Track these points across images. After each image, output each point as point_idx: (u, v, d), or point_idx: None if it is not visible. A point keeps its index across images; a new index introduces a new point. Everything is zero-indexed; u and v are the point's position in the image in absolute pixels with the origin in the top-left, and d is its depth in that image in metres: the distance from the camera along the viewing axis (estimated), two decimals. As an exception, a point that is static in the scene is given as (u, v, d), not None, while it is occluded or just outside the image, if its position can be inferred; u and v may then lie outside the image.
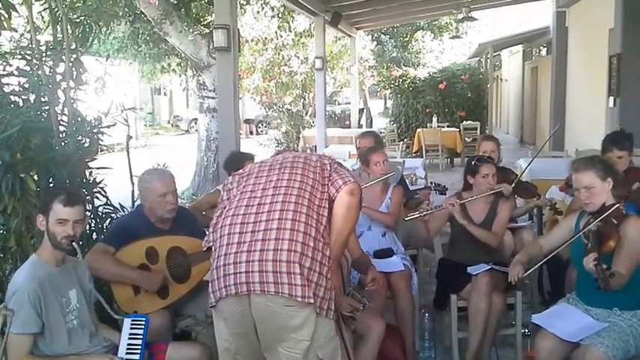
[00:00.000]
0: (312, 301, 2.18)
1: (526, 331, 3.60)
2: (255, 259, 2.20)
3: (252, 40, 10.84)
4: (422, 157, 11.38)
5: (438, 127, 12.40)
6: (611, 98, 8.66)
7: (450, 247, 3.84)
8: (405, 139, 12.95)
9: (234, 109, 5.18)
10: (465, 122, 13.04)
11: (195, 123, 9.90)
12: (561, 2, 11.76)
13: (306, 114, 13.70)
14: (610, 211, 2.77)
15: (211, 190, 4.78)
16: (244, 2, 9.40)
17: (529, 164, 4.97)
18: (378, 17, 11.86)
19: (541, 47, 15.42)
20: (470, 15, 9.43)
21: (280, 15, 10.43)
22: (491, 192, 3.67)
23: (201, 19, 8.78)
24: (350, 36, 12.18)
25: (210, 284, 2.31)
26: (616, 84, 8.46)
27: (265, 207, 2.32)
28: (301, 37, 11.81)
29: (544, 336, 2.80)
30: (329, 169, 2.45)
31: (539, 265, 2.98)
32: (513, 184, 4.23)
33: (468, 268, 3.52)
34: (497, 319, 3.40)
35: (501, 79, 21.35)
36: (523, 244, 4.14)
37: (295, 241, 2.22)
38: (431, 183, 4.65)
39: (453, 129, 12.48)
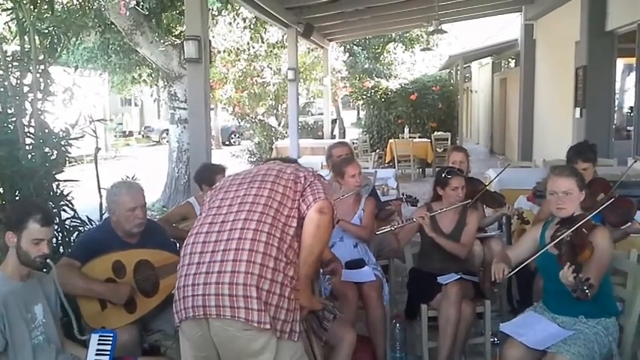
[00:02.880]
0: (268, 326, 2.11)
1: (495, 339, 3.63)
2: (212, 282, 2.12)
3: (224, 51, 10.81)
4: (394, 167, 11.48)
5: (410, 137, 12.53)
6: (578, 109, 8.88)
7: (420, 257, 3.87)
8: (378, 150, 13.05)
9: (205, 120, 5.16)
10: (436, 133, 13.24)
11: (167, 134, 9.81)
12: (529, 15, 12.03)
13: (279, 125, 13.71)
14: (583, 220, 2.83)
15: (182, 202, 4.73)
16: (216, 13, 9.39)
17: (497, 175, 5.04)
18: (350, 29, 11.97)
19: (510, 59, 15.74)
20: (440, 28, 9.57)
21: (252, 26, 10.44)
22: (460, 204, 3.72)
23: (173, 30, 8.74)
24: (322, 47, 12.27)
25: (174, 304, 2.25)
26: (582, 95, 8.68)
27: (227, 225, 2.24)
28: (274, 48, 11.84)
29: (512, 344, 2.84)
30: (303, 182, 2.35)
31: (509, 274, 3.01)
32: (479, 194, 4.32)
33: (438, 277, 3.56)
34: (467, 328, 3.44)
35: (471, 91, 21.70)
36: (492, 253, 4.20)
37: (253, 262, 2.14)
38: (402, 194, 4.69)
39: (425, 139, 12.64)
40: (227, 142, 23.41)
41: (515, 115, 13.25)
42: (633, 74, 7.94)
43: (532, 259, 2.92)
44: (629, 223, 3.62)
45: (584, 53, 8.53)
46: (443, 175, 3.76)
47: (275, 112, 13.74)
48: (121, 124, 26.38)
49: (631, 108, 8.05)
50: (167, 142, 9.88)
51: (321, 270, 3.24)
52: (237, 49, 11.01)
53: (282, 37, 10.65)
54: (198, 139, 5.19)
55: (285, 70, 10.15)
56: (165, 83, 9.26)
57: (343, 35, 12.82)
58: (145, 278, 3.07)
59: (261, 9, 7.72)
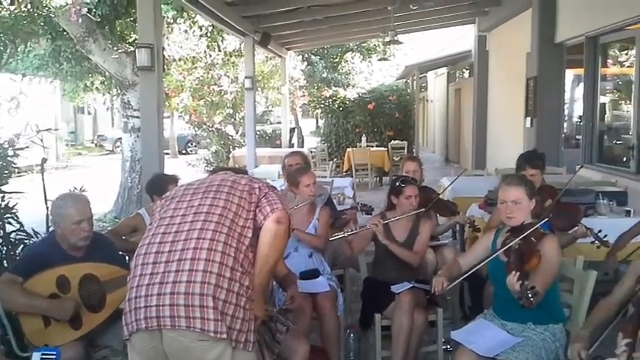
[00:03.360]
0: (224, 336, 2.10)
1: (448, 347, 3.68)
2: (167, 292, 2.10)
3: (180, 59, 10.68)
4: (352, 176, 11.56)
5: (367, 146, 12.64)
6: (528, 119, 9.12)
7: (374, 266, 3.89)
8: (335, 159, 13.11)
9: (157, 129, 5.06)
10: (393, 142, 13.40)
11: (121, 143, 9.59)
12: (482, 27, 12.32)
13: (237, 133, 13.62)
14: (532, 229, 2.89)
15: (133, 213, 4.61)
16: (172, 21, 9.27)
17: (450, 184, 5.13)
18: (308, 38, 12.01)
19: (464, 70, 16.08)
20: (395, 38, 9.71)
21: (209, 34, 10.35)
22: (414, 212, 3.75)
23: (127, 37, 8.58)
24: (280, 56, 12.26)
25: (123, 316, 2.21)
26: (532, 105, 8.91)
27: (182, 235, 2.22)
28: (231, 56, 11.77)
29: (462, 352, 2.87)
30: (257, 193, 2.36)
31: (459, 281, 3.06)
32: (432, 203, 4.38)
33: (391, 286, 3.57)
34: (419, 337, 3.47)
35: (428, 100, 22.08)
36: (445, 261, 4.26)
37: (210, 272, 2.13)
38: (357, 203, 4.71)
39: (382, 148, 12.77)
40: (183, 151, 23.12)
41: (469, 125, 13.52)
42: (582, 84, 8.21)
43: (478, 266, 2.97)
44: (576, 227, 3.72)
45: (534, 64, 8.77)
46: (397, 184, 3.79)
47: (233, 120, 13.64)
48: (74, 132, 25.73)
49: (580, 117, 8.32)
50: (120, 151, 9.66)
51: (276, 285, 3.24)
52: (194, 57, 10.89)
53: (240, 45, 10.59)
54: (150, 149, 5.09)
55: (243, 79, 10.10)
56: (119, 91, 9.07)
57: (301, 44, 12.86)
58: (91, 293, 2.98)
59: (217, 17, 7.66)
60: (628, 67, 7.15)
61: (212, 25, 9.56)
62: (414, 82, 15.14)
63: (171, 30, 9.60)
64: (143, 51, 4.99)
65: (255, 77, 9.60)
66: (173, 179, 3.96)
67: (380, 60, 16.04)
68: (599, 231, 3.68)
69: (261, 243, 2.30)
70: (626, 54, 7.34)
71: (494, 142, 12.09)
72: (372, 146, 12.86)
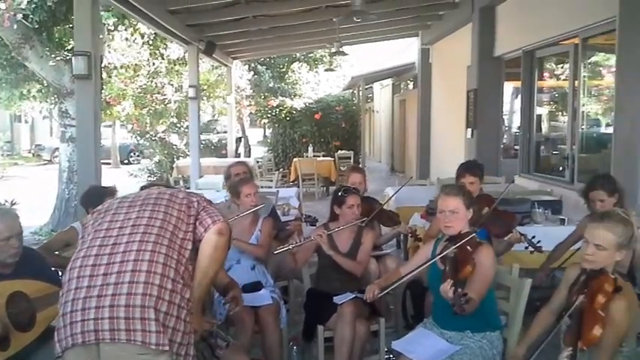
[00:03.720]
0: (167, 348, 2.08)
1: (391, 356, 3.70)
2: (106, 305, 2.05)
3: (121, 67, 10.41)
4: (298, 186, 11.56)
5: (314, 156, 12.68)
6: (469, 130, 9.38)
7: (318, 277, 3.88)
8: (282, 169, 13.08)
9: (94, 139, 4.91)
10: (339, 152, 13.49)
11: (59, 152, 9.24)
12: (425, 40, 12.62)
13: (182, 143, 13.38)
14: (467, 238, 2.95)
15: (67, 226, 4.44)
16: (112, 28, 9.03)
17: (394, 194, 5.19)
18: (254, 48, 11.96)
19: (408, 81, 16.40)
20: (341, 50, 9.81)
21: (151, 42, 10.14)
22: (357, 222, 3.77)
23: (65, 44, 8.30)
24: (226, 65, 12.16)
25: (56, 332, 2.13)
26: (473, 117, 9.18)
27: (120, 247, 2.19)
28: (175, 64, 11.57)
29: (402, 362, 2.90)
30: (196, 206, 2.37)
31: (380, 295, 3.06)
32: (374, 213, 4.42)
33: (334, 297, 3.57)
34: (362, 347, 3.47)
35: (374, 111, 22.38)
36: (387, 270, 4.29)
37: (151, 284, 2.11)
38: (302, 214, 4.70)
39: (328, 158, 12.83)
40: (126, 161, 22.55)
41: (414, 135, 13.79)
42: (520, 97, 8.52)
43: (416, 271, 2.97)
44: (511, 234, 3.83)
45: (474, 77, 9.05)
46: (339, 194, 3.81)
47: (177, 129, 13.38)
48: (10, 142, 24.68)
49: (519, 128, 8.62)
50: (58, 161, 9.31)
51: (220, 296, 3.17)
52: (136, 64, 10.63)
53: (184, 53, 10.43)
54: (86, 159, 4.92)
55: (187, 87, 9.94)
56: (56, 99, 8.76)
57: (247, 54, 12.79)
58: (20, 311, 2.82)
59: (160, 26, 7.52)
60: (563, 80, 7.47)
61: (155, 33, 9.38)
62: (360, 93, 15.31)
63: (112, 37, 9.35)
64: (80, 59, 4.85)
65: (199, 86, 9.47)
66: (110, 191, 3.84)
67: (326, 70, 16.14)
68: (533, 237, 3.80)
69: (202, 255, 2.29)
70: (562, 67, 7.67)
71: (438, 152, 12.37)
72: (319, 156, 12.90)
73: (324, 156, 13.12)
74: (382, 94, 20.45)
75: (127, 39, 9.32)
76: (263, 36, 10.26)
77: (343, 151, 13.50)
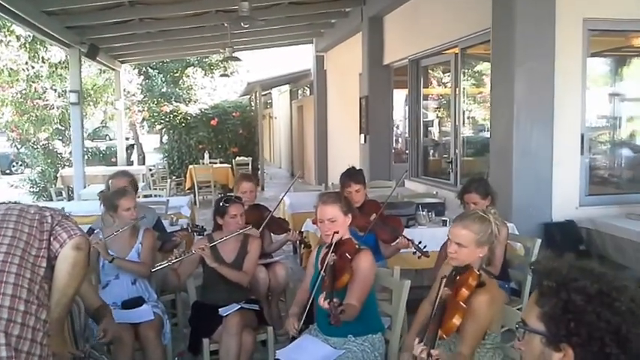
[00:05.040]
0: None
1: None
2: None
3: (-4, 71, 9.65)
4: (195, 193, 11.29)
5: (210, 163, 12.43)
6: (362, 135, 9.61)
7: (204, 289, 3.76)
8: (175, 176, 12.71)
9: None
10: (237, 158, 13.34)
11: None
12: (319, 47, 12.80)
13: (68, 151, 12.62)
14: (344, 245, 2.97)
15: None
16: (-16, 29, 8.36)
17: (282, 198, 5.17)
18: (143, 51, 11.52)
19: (305, 87, 16.56)
20: (234, 55, 9.69)
21: (28, 45, 9.47)
22: (241, 232, 3.70)
23: None
24: (114, 69, 11.62)
25: None
26: (365, 123, 9.42)
27: None
28: (57, 68, 10.89)
29: (287, 371, 2.86)
30: (50, 221, 2.19)
31: (306, 312, 3.01)
32: (266, 221, 4.39)
33: (219, 309, 3.48)
34: (248, 358, 3.40)
35: (273, 117, 22.39)
36: (277, 278, 4.29)
37: (1, 306, 1.93)
38: (188, 224, 4.55)
39: (226, 165, 12.65)
40: (8, 171, 20.94)
41: (312, 141, 13.92)
42: (407, 104, 8.85)
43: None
44: (399, 239, 3.93)
45: (365, 84, 9.30)
46: (220, 204, 3.72)
47: (62, 137, 12.60)
48: None
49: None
50: None
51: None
52: (11, 68, 9.89)
53: (66, 56, 9.84)
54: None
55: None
56: None
57: (137, 57, 12.30)
58: None
59: (36, 27, 7.03)
60: (448, 87, 7.84)
61: (32, 35, 8.78)
62: (258, 99, 15.24)
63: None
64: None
65: (82, 91, 8.96)
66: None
67: (221, 76, 15.91)
68: (420, 242, 3.91)
69: (59, 272, 2.12)
70: (448, 76, 8.05)
71: (335, 157, 12.57)
72: (216, 162, 12.67)
73: (221, 162, 12.92)
74: (280, 100, 20.51)
75: (1, 41, 8.64)
76: (152, 39, 9.91)
77: (241, 158, 13.36)
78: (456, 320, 2.29)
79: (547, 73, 5.15)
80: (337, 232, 2.95)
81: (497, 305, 2.43)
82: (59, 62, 10.69)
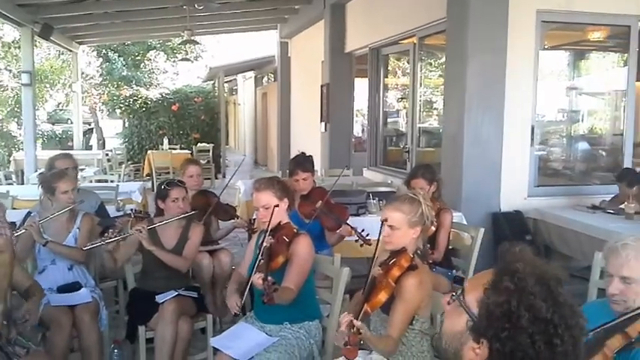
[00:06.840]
0: None
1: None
2: None
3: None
4: (153, 179, 11.10)
5: (170, 149, 12.23)
6: (323, 124, 9.57)
7: (142, 275, 3.67)
8: (131, 162, 12.46)
9: None
10: (198, 144, 13.14)
11: None
12: (284, 34, 12.67)
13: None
14: (282, 229, 2.95)
15: None
16: None
17: (226, 185, 5.06)
18: (102, 33, 11.23)
19: (270, 74, 16.41)
20: (192, 38, 9.51)
21: (-23, 22, 9.15)
22: (183, 216, 3.62)
23: None
24: (71, 51, 11.29)
25: None
26: (326, 111, 9.38)
27: None
28: (10, 47, 10.53)
29: (220, 358, 2.83)
30: None
31: (247, 291, 2.97)
32: (212, 207, 4.32)
33: (156, 296, 3.41)
34: (184, 346, 3.34)
35: (237, 103, 22.16)
36: (221, 265, 4.23)
37: None
38: (131, 210, 4.43)
39: (186, 151, 12.45)
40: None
41: (275, 128, 13.82)
42: (368, 93, 8.82)
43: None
44: (342, 227, 3.92)
45: (327, 72, 9.25)
46: (162, 187, 3.63)
47: (17, 119, 12.23)
48: None
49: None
50: None
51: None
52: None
53: (19, 36, 9.51)
54: None
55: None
56: None
57: (95, 39, 12.00)
58: None
59: (-18, 3, 6.78)
60: (406, 77, 7.85)
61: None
62: (220, 85, 15.02)
63: None
64: None
65: (34, 72, 8.67)
66: None
67: (182, 60, 15.62)
68: (362, 230, 3.90)
69: None
70: (406, 65, 8.05)
71: (298, 145, 12.44)
72: (176, 148, 12.48)
73: (181, 148, 12.73)
74: (245, 86, 20.29)
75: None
76: (110, 20, 9.67)
77: (203, 144, 13.17)
78: (382, 297, 2.31)
79: (499, 64, 5.18)
80: (277, 206, 2.90)
81: (425, 289, 2.43)
82: (12, 41, 10.34)
